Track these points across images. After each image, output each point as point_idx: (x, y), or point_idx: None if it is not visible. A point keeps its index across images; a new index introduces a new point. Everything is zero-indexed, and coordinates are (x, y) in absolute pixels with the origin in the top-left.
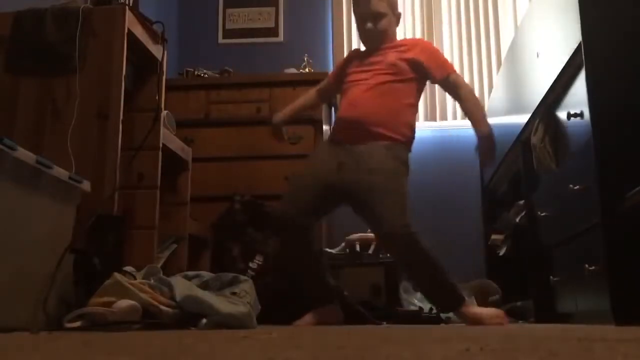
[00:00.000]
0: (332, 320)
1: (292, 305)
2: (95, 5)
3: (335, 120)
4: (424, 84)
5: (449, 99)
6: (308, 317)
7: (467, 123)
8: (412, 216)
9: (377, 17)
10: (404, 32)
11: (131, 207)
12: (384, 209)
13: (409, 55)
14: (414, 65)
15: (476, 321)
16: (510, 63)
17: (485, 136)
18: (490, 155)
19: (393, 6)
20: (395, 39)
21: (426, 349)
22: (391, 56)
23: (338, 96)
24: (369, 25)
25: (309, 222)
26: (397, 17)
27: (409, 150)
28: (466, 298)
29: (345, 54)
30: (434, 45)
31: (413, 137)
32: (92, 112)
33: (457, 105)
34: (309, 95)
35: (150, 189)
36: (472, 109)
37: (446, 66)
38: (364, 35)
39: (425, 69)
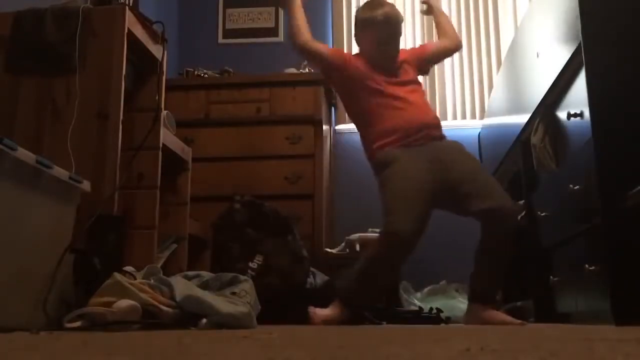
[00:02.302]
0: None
1: (292, 305)
2: (95, 5)
3: (394, 127)
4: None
5: (449, 99)
6: (334, 311)
7: (467, 123)
8: None
9: (399, 38)
10: (403, 32)
11: (131, 207)
12: (494, 186)
13: (413, 60)
14: (419, 65)
15: (497, 323)
16: (510, 63)
17: None
18: None
19: None
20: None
21: (426, 349)
22: (410, 70)
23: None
24: (393, 47)
25: (420, 235)
26: None
27: None
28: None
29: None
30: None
31: None
32: (92, 112)
33: (457, 105)
34: (302, 28)
35: (150, 189)
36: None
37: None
38: (385, 55)
39: (418, 60)
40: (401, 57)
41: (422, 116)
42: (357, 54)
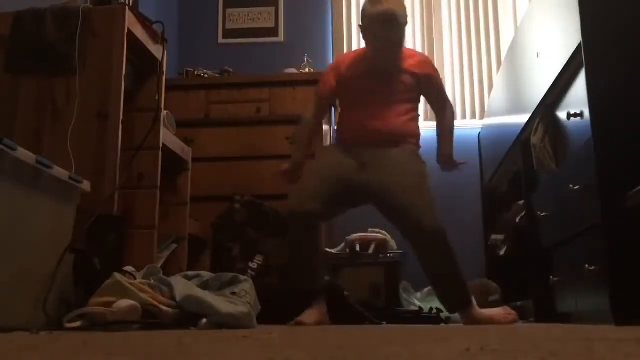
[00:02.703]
0: (323, 318)
1: (292, 305)
2: (95, 5)
3: (347, 124)
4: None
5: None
6: (311, 315)
7: (467, 123)
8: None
9: (398, 44)
10: None
11: (131, 207)
12: (418, 208)
13: (417, 71)
14: (419, 79)
15: (487, 322)
16: (510, 63)
17: (448, 156)
18: (451, 165)
19: (406, 25)
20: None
21: (426, 349)
22: (407, 77)
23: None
24: (395, 49)
25: (321, 217)
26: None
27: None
28: (473, 301)
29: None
30: (433, 61)
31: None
32: (92, 112)
33: (457, 105)
34: (307, 126)
35: (150, 189)
36: (450, 132)
37: (445, 95)
38: (385, 56)
39: (426, 87)
40: (411, 64)
41: (377, 123)
42: (358, 50)
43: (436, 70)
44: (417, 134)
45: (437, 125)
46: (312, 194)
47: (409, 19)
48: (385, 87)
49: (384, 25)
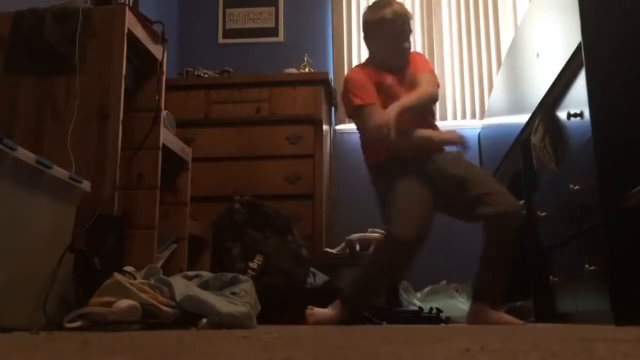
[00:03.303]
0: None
1: (292, 305)
2: (95, 5)
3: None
4: None
5: (449, 98)
6: (332, 312)
7: (467, 123)
8: None
9: (410, 35)
10: None
11: (131, 207)
12: (501, 189)
13: (416, 69)
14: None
15: (500, 322)
16: (510, 63)
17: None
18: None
19: None
20: None
21: (426, 349)
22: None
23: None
24: (407, 44)
25: (425, 241)
26: None
27: None
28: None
29: (346, 53)
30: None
31: None
32: (92, 112)
33: (457, 105)
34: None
35: (150, 189)
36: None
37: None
38: (398, 53)
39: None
40: (413, 66)
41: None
42: (364, 64)
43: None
44: None
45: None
46: (414, 221)
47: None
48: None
49: (402, 22)
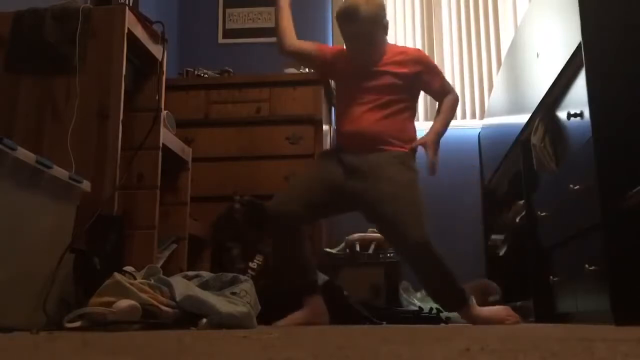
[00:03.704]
0: (318, 317)
1: (292, 305)
2: (95, 5)
3: (338, 133)
4: (419, 91)
5: None
6: (295, 316)
7: (467, 123)
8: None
9: (368, 37)
10: (404, 32)
11: (131, 207)
12: (403, 221)
13: (405, 70)
14: (411, 78)
15: (487, 322)
16: (510, 63)
17: (434, 133)
18: (432, 147)
19: (380, 18)
20: (386, 49)
21: (426, 349)
22: (388, 77)
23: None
24: (362, 47)
25: (302, 220)
26: (385, 26)
27: (414, 157)
28: (472, 300)
29: None
30: (430, 56)
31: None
32: (92, 112)
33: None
34: (289, 32)
35: (150, 189)
36: (446, 112)
37: (445, 86)
38: (356, 56)
39: (423, 81)
40: (398, 61)
41: (364, 128)
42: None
43: (429, 65)
44: (407, 138)
45: (437, 110)
46: (293, 197)
47: (409, 20)
48: (365, 89)
49: (347, 21)
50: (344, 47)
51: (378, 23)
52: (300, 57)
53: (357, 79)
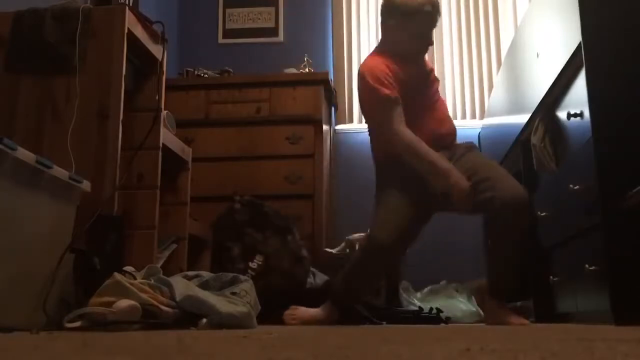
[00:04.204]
0: (329, 322)
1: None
2: (95, 5)
3: (422, 134)
4: None
5: (449, 98)
6: (314, 312)
7: (467, 123)
8: None
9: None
10: None
11: (131, 207)
12: (498, 177)
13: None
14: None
15: (506, 322)
16: (510, 63)
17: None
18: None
19: None
20: None
21: (426, 349)
22: (434, 74)
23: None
24: (430, 40)
25: (401, 246)
26: None
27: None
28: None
29: (346, 54)
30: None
31: None
32: (92, 112)
33: (457, 105)
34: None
35: (150, 189)
36: None
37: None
38: (421, 49)
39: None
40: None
41: (437, 127)
42: (379, 52)
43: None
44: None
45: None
46: (397, 229)
47: None
48: (427, 87)
49: (431, 18)
50: (333, 61)
51: None
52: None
53: (419, 80)
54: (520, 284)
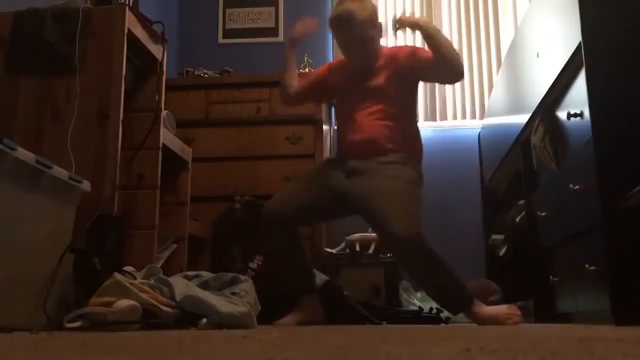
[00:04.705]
0: (314, 316)
1: (292, 305)
2: (95, 5)
3: (343, 141)
4: (417, 89)
5: (449, 98)
6: (290, 317)
7: (467, 123)
8: (421, 223)
9: (365, 41)
10: (404, 32)
11: (131, 207)
12: (391, 213)
13: (400, 67)
14: (407, 74)
15: (491, 321)
16: (510, 63)
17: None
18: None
19: (374, 21)
20: (382, 51)
21: (426, 349)
22: (386, 79)
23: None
24: (359, 52)
25: (297, 221)
26: (380, 29)
27: (420, 162)
28: (475, 299)
29: None
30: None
31: (421, 147)
32: (92, 112)
33: (457, 105)
34: (290, 84)
35: (150, 189)
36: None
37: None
38: (354, 60)
39: (416, 68)
40: (392, 62)
41: (367, 134)
42: (339, 58)
43: (419, 50)
44: (408, 142)
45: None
46: (290, 198)
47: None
48: (366, 94)
49: (342, 27)
50: (333, 60)
51: (373, 26)
52: (305, 96)
53: (356, 85)
54: (520, 284)
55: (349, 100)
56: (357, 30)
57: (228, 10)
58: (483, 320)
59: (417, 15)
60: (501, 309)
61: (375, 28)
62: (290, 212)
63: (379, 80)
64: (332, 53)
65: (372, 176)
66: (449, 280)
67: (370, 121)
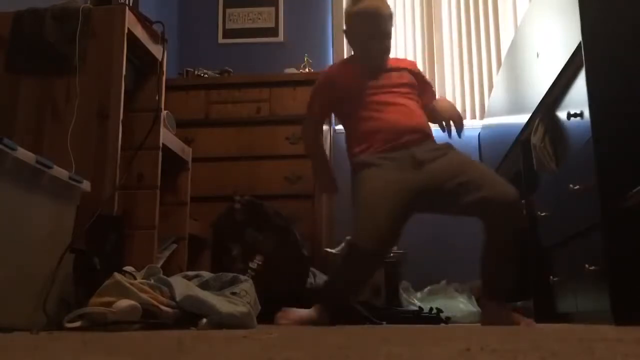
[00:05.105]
0: (324, 323)
1: (292, 305)
2: (95, 5)
3: (369, 134)
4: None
5: (449, 98)
6: (310, 312)
7: (467, 123)
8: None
9: (388, 36)
10: (404, 32)
11: (131, 207)
12: (493, 176)
13: (409, 67)
14: (415, 76)
15: (506, 322)
16: (510, 63)
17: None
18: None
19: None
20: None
21: (426, 349)
22: (403, 72)
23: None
24: (383, 44)
25: (391, 247)
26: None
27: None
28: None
29: (346, 54)
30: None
31: None
32: (92, 112)
33: (457, 105)
34: (315, 139)
35: (150, 189)
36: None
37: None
38: (374, 54)
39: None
40: (404, 65)
41: (405, 120)
42: (346, 59)
43: (421, 73)
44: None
45: (427, 106)
46: (380, 236)
47: (409, 20)
48: (389, 86)
49: (376, 20)
50: (325, 69)
51: (392, 24)
52: (325, 117)
53: (376, 80)
54: (520, 284)
55: (380, 92)
56: (384, 24)
57: (228, 10)
58: (498, 319)
59: (417, 13)
60: (519, 316)
61: (392, 27)
62: (389, 248)
63: (399, 72)
64: (332, 53)
65: (444, 156)
66: (514, 261)
67: (412, 108)
